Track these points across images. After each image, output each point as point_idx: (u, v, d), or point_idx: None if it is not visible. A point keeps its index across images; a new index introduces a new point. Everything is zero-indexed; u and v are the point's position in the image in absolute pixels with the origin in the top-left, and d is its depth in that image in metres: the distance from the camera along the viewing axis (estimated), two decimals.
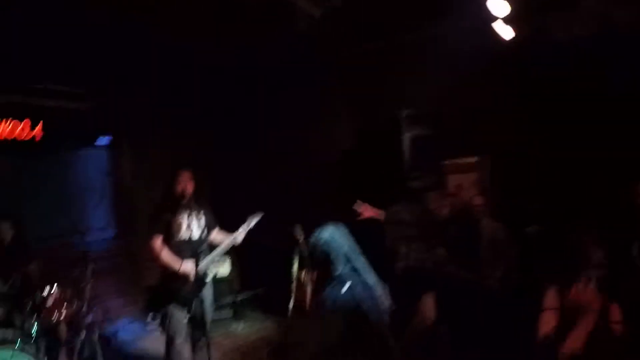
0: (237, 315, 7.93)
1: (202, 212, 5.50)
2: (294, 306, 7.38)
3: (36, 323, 5.45)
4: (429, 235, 5.33)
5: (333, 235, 3.25)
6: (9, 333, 5.08)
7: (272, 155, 8.36)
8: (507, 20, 5.77)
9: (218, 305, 6.67)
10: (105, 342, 6.41)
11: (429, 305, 5.25)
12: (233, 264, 8.06)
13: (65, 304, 5.64)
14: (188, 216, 5.34)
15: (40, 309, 5.47)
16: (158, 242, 5.25)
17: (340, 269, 3.12)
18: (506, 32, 5.87)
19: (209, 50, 7.45)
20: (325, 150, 7.68)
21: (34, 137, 6.84)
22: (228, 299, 7.88)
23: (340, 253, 3.17)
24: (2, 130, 6.58)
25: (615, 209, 5.24)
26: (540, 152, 6.24)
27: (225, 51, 7.49)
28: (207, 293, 5.46)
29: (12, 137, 6.66)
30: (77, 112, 7.48)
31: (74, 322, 6.08)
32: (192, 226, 5.31)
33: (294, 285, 7.38)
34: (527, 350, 3.15)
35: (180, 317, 5.33)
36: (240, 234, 5.41)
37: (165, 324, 5.35)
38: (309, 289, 7.30)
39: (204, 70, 8.23)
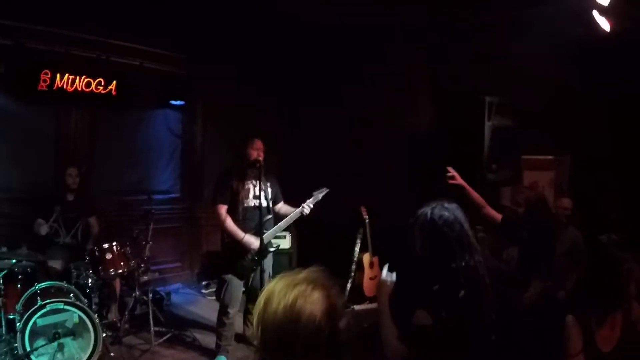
0: None
1: (270, 182, 5.24)
2: (351, 288, 7.07)
3: (92, 276, 5.28)
4: (502, 230, 4.78)
5: (457, 216, 2.55)
6: (63, 284, 4.87)
7: (346, 132, 7.93)
8: (605, 11, 5.17)
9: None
10: (158, 303, 6.18)
11: None
12: (293, 239, 7.68)
13: (123, 260, 5.40)
14: (256, 184, 5.05)
15: (97, 262, 5.26)
16: (223, 210, 5.00)
17: (457, 261, 2.46)
18: (604, 24, 5.27)
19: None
20: (402, 131, 7.22)
21: (110, 91, 6.64)
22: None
23: (464, 240, 2.52)
24: (79, 84, 6.39)
25: None
26: (625, 156, 5.66)
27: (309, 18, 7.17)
28: (268, 264, 5.22)
29: (89, 90, 6.49)
30: (155, 72, 7.26)
31: (129, 279, 5.92)
32: (259, 194, 4.99)
33: (353, 267, 7.06)
34: None
35: (238, 287, 5.12)
36: (307, 207, 5.13)
37: (221, 292, 5.11)
38: (368, 273, 7.00)
39: (284, 47, 7.99)
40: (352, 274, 7.11)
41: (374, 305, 7.08)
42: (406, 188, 6.51)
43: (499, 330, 2.64)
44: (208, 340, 5.58)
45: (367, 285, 7.09)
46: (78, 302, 4.60)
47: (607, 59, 5.62)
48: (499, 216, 4.64)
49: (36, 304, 4.32)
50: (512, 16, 6.19)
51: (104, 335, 4.77)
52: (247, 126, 6.86)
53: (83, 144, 6.84)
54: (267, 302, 1.63)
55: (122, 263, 5.38)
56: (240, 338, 5.49)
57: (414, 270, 2.61)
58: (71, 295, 4.75)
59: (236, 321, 5.28)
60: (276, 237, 5.33)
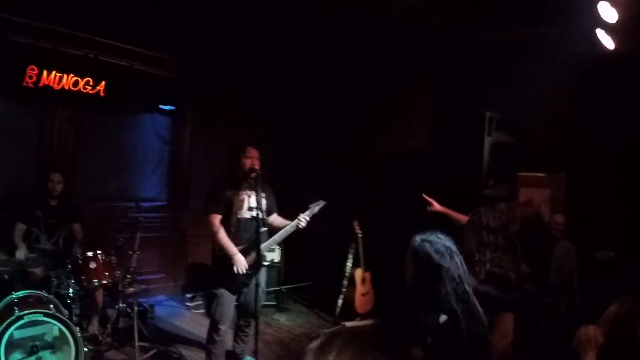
0: (279, 305, 7.17)
1: (265, 192, 4.82)
2: (342, 304, 6.71)
3: (74, 285, 4.87)
4: (512, 248, 4.57)
5: (450, 249, 2.60)
6: (43, 293, 4.45)
7: (342, 146, 7.72)
8: (610, 29, 4.98)
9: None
10: (141, 316, 5.69)
11: (509, 321, 4.62)
12: (282, 252, 7.31)
13: (108, 270, 4.97)
14: (251, 195, 4.70)
15: (80, 271, 4.84)
16: (217, 220, 4.62)
17: (444, 291, 2.50)
18: (608, 42, 5.08)
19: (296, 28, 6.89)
20: (399, 145, 7.01)
21: (98, 91, 6.26)
22: (273, 287, 7.12)
23: (454, 273, 2.54)
24: (66, 82, 6.00)
25: None
26: (621, 175, 5.58)
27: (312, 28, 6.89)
28: (262, 278, 4.78)
29: (76, 89, 6.10)
30: (146, 75, 6.87)
31: (113, 291, 5.46)
32: (254, 205, 4.61)
33: (345, 282, 6.72)
34: None
35: (230, 302, 4.73)
36: (303, 220, 4.76)
37: (211, 307, 4.71)
38: (359, 289, 6.65)
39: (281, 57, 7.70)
40: (344, 290, 6.79)
41: (365, 322, 6.76)
42: (401, 204, 6.25)
43: None
44: (195, 357, 5.18)
45: (359, 302, 6.76)
46: (58, 314, 4.15)
47: (607, 78, 5.51)
48: None
49: (14, 315, 3.88)
50: (513, 34, 6.07)
51: (85, 350, 4.30)
52: (238, 135, 6.46)
53: (67, 146, 6.39)
54: None
55: (106, 273, 4.95)
56: (230, 355, 5.08)
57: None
58: (51, 305, 4.32)
59: (228, 338, 4.89)
60: (267, 250, 4.96)
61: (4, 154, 5.85)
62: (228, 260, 4.53)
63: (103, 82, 6.27)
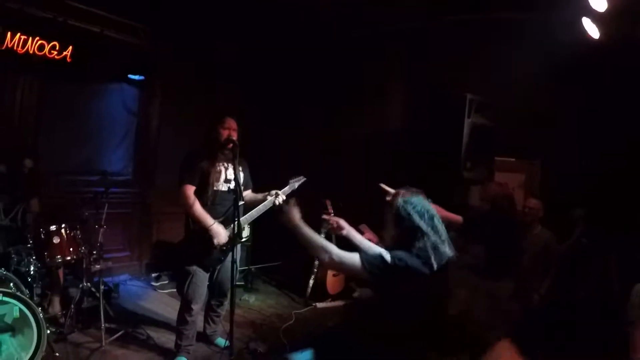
0: (248, 286, 6.86)
1: (241, 166, 4.49)
2: (313, 285, 6.45)
3: (35, 262, 4.46)
4: (466, 227, 4.33)
5: (430, 211, 2.73)
6: (2, 271, 4.02)
7: (316, 124, 7.47)
8: (597, 18, 4.82)
9: None
10: (106, 296, 5.29)
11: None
12: (250, 230, 6.93)
13: (72, 245, 4.57)
14: (228, 167, 4.37)
15: (43, 246, 4.44)
16: (191, 191, 4.24)
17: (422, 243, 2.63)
18: (594, 32, 4.92)
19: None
20: (378, 126, 6.79)
21: (64, 57, 5.76)
22: (242, 267, 6.78)
23: (432, 236, 2.64)
24: (31, 45, 5.50)
25: None
26: (595, 165, 5.47)
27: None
28: (237, 255, 4.41)
29: (42, 54, 5.60)
30: (116, 42, 6.37)
31: (77, 268, 5.05)
32: (232, 177, 4.29)
33: (316, 263, 6.46)
34: None
35: (203, 280, 4.40)
36: (281, 196, 4.47)
37: (184, 286, 4.34)
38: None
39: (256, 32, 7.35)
40: (315, 270, 6.54)
41: (337, 303, 6.54)
42: (376, 184, 6.02)
43: None
44: (164, 339, 4.84)
45: (331, 283, 6.54)
46: (19, 293, 3.72)
47: (587, 67, 5.42)
48: (458, 218, 4.28)
49: None
50: (497, 17, 5.97)
51: (47, 332, 3.89)
52: (209, 112, 6.10)
53: (30, 114, 5.87)
54: None
55: (71, 249, 4.57)
56: (201, 336, 4.76)
57: None
58: (11, 284, 3.91)
59: (199, 318, 4.56)
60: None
61: None
62: (204, 234, 4.18)
63: (70, 48, 5.78)
